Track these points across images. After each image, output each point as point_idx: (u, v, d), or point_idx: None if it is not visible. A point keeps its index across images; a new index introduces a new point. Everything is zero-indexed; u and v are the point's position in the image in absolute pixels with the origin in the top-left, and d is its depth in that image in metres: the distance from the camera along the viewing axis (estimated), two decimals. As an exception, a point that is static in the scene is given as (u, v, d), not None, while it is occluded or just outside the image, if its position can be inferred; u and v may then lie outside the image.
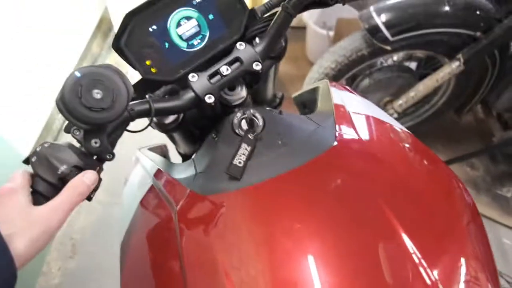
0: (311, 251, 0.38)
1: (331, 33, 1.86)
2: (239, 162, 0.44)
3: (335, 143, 0.47)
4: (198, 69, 0.52)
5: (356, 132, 0.50)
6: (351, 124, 0.51)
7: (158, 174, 0.55)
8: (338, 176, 0.44)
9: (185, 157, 0.73)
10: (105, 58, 2.12)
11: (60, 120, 1.80)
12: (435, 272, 0.38)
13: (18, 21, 1.44)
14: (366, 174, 0.45)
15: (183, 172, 0.52)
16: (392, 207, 0.41)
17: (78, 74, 0.36)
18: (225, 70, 0.49)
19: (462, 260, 0.40)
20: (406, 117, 1.61)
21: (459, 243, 0.42)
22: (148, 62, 0.51)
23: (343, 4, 0.53)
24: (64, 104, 0.35)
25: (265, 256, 0.39)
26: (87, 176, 0.40)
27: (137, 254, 0.49)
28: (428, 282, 0.37)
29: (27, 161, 0.40)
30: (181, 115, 0.56)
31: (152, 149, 0.70)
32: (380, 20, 1.17)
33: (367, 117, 0.55)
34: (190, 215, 0.45)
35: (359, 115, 0.55)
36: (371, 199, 0.42)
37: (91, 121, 0.36)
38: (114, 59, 2.10)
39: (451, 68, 1.24)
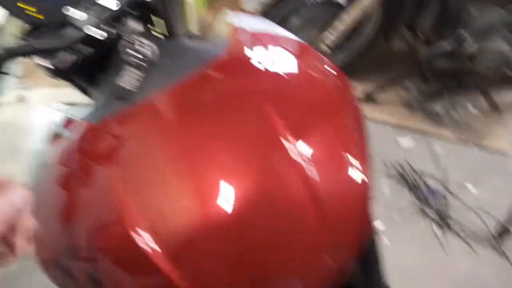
0: (203, 156, 0.41)
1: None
2: (128, 86, 0.44)
3: (223, 55, 0.48)
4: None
5: (245, 45, 0.51)
6: (242, 39, 0.52)
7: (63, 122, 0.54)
8: (229, 82, 0.46)
9: None
10: None
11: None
12: (304, 151, 0.41)
13: None
14: (251, 80, 0.47)
15: (85, 111, 0.51)
16: (271, 102, 0.44)
17: None
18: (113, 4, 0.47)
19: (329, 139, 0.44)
20: (340, 53, 1.64)
21: (328, 123, 0.46)
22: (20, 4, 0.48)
23: None
24: None
25: (163, 168, 0.40)
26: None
27: (41, 195, 0.48)
28: (299, 160, 0.40)
29: None
30: (80, 57, 0.54)
31: None
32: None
33: (259, 34, 0.56)
34: (86, 144, 0.46)
35: (250, 31, 0.55)
36: (253, 97, 0.45)
37: None
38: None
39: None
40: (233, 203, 0.38)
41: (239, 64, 0.48)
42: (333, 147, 0.45)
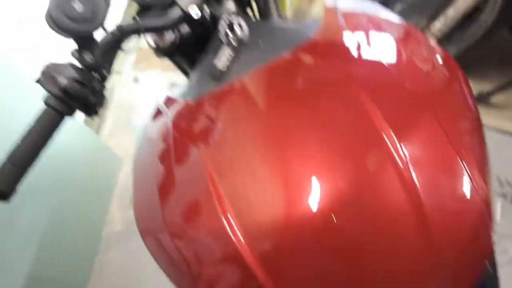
0: (297, 140, 0.39)
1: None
2: (222, 66, 0.46)
3: (316, 36, 0.46)
4: None
5: (342, 27, 0.48)
6: (337, 20, 0.50)
7: (166, 101, 0.59)
8: (322, 65, 0.44)
9: None
10: None
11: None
12: (407, 152, 0.36)
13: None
14: (348, 62, 0.44)
15: (184, 89, 0.56)
16: (371, 94, 0.40)
17: None
18: None
19: (438, 139, 0.38)
20: (451, 43, 1.46)
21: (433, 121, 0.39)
22: None
23: None
24: (51, 18, 0.40)
25: (252, 154, 0.40)
26: None
27: (142, 166, 0.54)
28: (400, 163, 0.36)
29: (38, 81, 0.46)
30: (178, 37, 0.58)
31: None
32: None
33: (359, 14, 0.53)
34: (182, 122, 0.49)
35: (349, 13, 0.53)
36: (348, 86, 0.42)
37: (76, 31, 0.41)
38: None
39: (495, -26, 1.09)
40: (323, 201, 0.35)
41: (333, 47, 0.46)
42: (444, 151, 0.38)
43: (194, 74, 0.54)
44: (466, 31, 1.43)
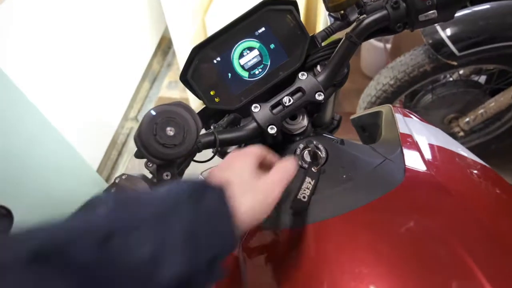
0: None
1: (388, 46, 1.79)
2: (303, 197, 0.43)
3: (404, 179, 0.44)
4: (260, 98, 0.52)
5: (426, 166, 0.47)
6: (419, 157, 0.48)
7: None
8: (408, 215, 0.41)
9: None
10: (164, 75, 2.24)
11: (125, 135, 1.94)
12: None
13: (84, 39, 1.58)
14: (438, 212, 0.42)
15: None
16: (467, 247, 0.38)
17: (153, 112, 0.38)
18: (287, 100, 0.49)
19: None
20: (473, 134, 1.48)
21: None
22: (212, 92, 0.53)
23: (412, 31, 0.51)
24: (141, 141, 0.38)
25: None
26: (291, 162, 0.40)
27: None
28: None
29: (106, 191, 0.43)
30: (243, 144, 0.57)
31: None
32: (445, 34, 1.10)
33: (437, 148, 0.51)
34: (252, 246, 0.45)
35: (427, 145, 0.51)
36: (444, 239, 0.39)
37: (165, 157, 0.38)
38: (174, 75, 2.22)
39: (529, 83, 1.12)
40: None
41: (421, 188, 0.44)
42: None
43: None
44: (490, 125, 1.45)
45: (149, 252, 0.26)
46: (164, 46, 2.32)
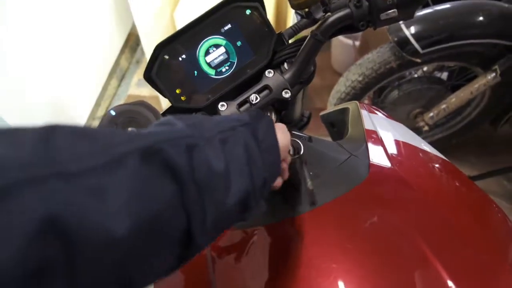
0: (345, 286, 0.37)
1: (357, 43, 1.83)
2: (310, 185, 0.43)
3: (368, 175, 0.45)
4: (226, 96, 0.52)
5: (390, 161, 0.48)
6: (383, 152, 0.49)
7: None
8: (372, 210, 0.43)
9: None
10: (133, 72, 2.18)
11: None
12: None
13: (48, 33, 1.51)
14: (400, 206, 0.44)
15: None
16: (427, 239, 0.39)
17: (113, 112, 0.36)
18: (254, 98, 0.48)
19: None
20: (437, 128, 1.55)
21: (501, 283, 0.39)
22: (178, 91, 0.51)
23: (375, 29, 0.52)
24: None
25: None
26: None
27: (168, 280, 0.49)
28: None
29: None
30: None
31: None
32: (409, 32, 1.14)
33: (401, 144, 0.53)
34: (221, 245, 0.45)
35: (391, 141, 0.53)
36: (405, 232, 0.40)
37: None
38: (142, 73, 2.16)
39: (487, 79, 1.19)
40: None
41: (384, 183, 0.45)
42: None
43: None
44: (452, 120, 1.53)
45: (223, 167, 0.29)
46: (132, 42, 2.26)
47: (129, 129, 0.37)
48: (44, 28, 1.46)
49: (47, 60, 1.48)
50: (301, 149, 0.48)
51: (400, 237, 0.39)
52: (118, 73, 2.10)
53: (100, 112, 1.94)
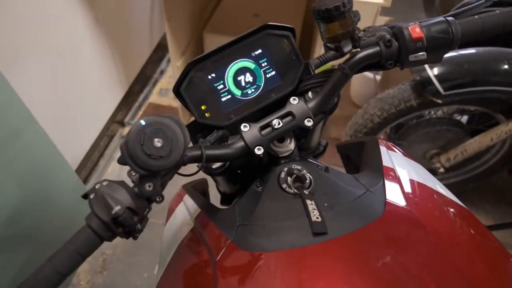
0: None
1: (378, 77, 1.85)
2: (317, 218, 0.43)
3: (384, 213, 0.45)
4: (249, 118, 0.53)
5: (406, 201, 0.48)
6: (400, 191, 0.49)
7: (200, 217, 0.56)
8: (385, 249, 0.42)
9: (224, 195, 0.73)
10: (156, 82, 2.24)
11: (108, 137, 1.90)
12: None
13: (79, 35, 1.57)
14: (414, 248, 0.43)
15: (225, 219, 0.52)
16: (439, 287, 0.38)
17: (143, 122, 0.38)
18: (276, 123, 0.49)
19: None
20: (452, 172, 1.53)
21: None
22: (203, 107, 0.53)
23: (402, 69, 0.53)
24: (127, 149, 0.37)
25: None
26: None
27: None
28: None
29: (85, 196, 0.42)
30: (228, 163, 0.57)
31: (194, 186, 0.71)
32: (432, 73, 1.15)
33: (417, 184, 0.52)
34: (229, 267, 0.45)
35: (408, 181, 0.52)
36: (418, 276, 0.39)
37: (149, 168, 0.38)
38: (166, 83, 2.21)
39: (508, 127, 1.17)
40: None
41: (399, 222, 0.44)
42: None
43: (245, 214, 0.50)
44: (469, 164, 1.50)
45: None
46: (160, 53, 2.33)
47: (155, 139, 0.38)
48: (75, 28, 1.52)
49: (77, 60, 1.54)
50: (306, 183, 0.49)
51: (412, 280, 0.39)
52: (142, 81, 2.16)
53: (120, 117, 1.99)
